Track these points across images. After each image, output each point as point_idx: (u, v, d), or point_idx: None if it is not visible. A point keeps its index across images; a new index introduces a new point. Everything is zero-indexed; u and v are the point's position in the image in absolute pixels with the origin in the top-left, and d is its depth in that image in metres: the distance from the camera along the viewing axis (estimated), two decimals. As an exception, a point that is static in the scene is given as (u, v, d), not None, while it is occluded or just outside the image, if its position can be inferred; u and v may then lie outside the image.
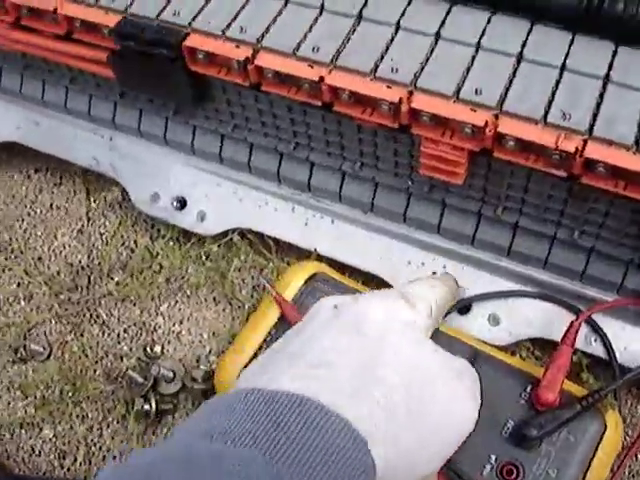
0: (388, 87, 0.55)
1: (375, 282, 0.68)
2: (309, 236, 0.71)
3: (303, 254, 0.71)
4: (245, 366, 0.60)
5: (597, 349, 0.61)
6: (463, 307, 0.65)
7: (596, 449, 0.55)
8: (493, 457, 0.55)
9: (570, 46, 0.55)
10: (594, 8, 0.54)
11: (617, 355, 0.60)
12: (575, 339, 0.59)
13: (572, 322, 0.59)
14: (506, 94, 0.53)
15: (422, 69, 0.56)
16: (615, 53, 0.54)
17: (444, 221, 0.65)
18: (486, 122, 0.52)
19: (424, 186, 0.64)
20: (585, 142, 0.51)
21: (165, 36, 0.61)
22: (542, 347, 0.66)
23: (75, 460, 0.69)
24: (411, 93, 0.55)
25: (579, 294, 0.63)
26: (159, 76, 0.65)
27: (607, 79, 0.53)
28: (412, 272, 0.67)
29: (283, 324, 0.62)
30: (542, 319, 0.62)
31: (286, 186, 0.72)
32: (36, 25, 0.69)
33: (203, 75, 0.63)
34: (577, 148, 0.51)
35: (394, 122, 0.56)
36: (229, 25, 0.61)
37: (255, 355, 0.62)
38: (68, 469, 0.69)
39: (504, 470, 0.54)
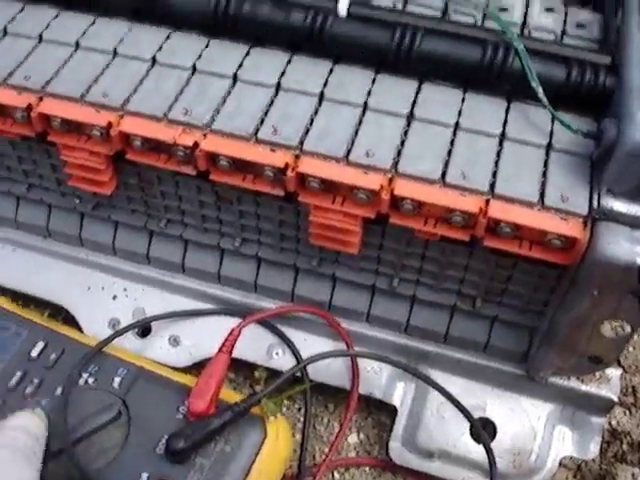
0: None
1: (63, 312, 0.71)
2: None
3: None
4: None
5: (279, 362, 0.66)
6: (143, 330, 0.67)
7: (255, 458, 0.56)
8: (145, 475, 0.55)
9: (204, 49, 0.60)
10: (223, 12, 0.59)
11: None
12: (232, 346, 0.60)
13: (232, 329, 0.61)
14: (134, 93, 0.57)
15: (56, 74, 0.58)
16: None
17: (117, 241, 0.69)
18: (110, 122, 0.55)
19: (88, 204, 0.68)
20: (205, 136, 0.55)
21: None
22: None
23: None
24: (41, 99, 0.56)
25: (256, 308, 0.67)
26: None
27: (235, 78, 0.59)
28: (92, 298, 0.70)
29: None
30: (222, 337, 0.62)
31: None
32: None
33: None
34: (196, 142, 0.54)
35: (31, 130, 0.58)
36: None
37: None
38: None
39: None
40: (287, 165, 0.53)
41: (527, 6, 0.63)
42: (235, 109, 0.56)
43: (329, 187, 0.54)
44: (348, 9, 0.58)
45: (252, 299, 0.67)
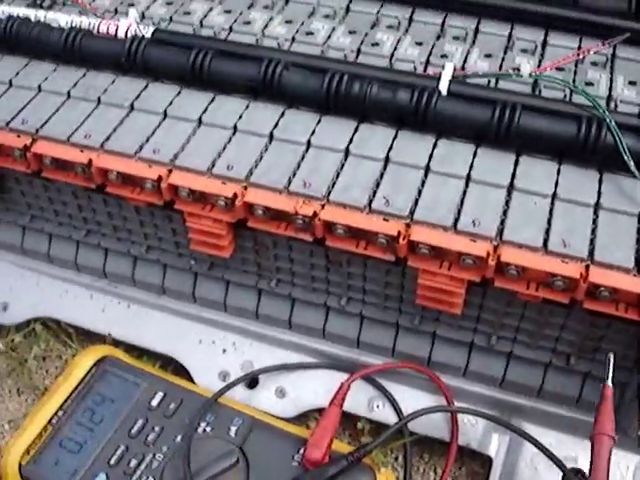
0: (149, 166, 0.64)
1: (173, 363, 0.76)
2: (105, 322, 0.79)
3: (103, 340, 0.78)
4: (28, 450, 0.66)
5: (380, 414, 0.70)
6: (251, 381, 0.73)
7: None
8: None
9: (317, 125, 0.66)
10: (334, 92, 0.65)
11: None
12: (343, 399, 0.66)
13: (342, 383, 0.67)
14: (256, 167, 0.63)
15: (182, 149, 0.65)
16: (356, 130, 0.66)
17: (228, 298, 0.75)
18: (235, 193, 0.62)
19: (204, 264, 0.74)
20: (323, 206, 0.60)
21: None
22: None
23: None
24: (170, 171, 0.64)
25: (358, 361, 0.72)
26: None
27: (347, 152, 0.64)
28: (203, 351, 0.75)
29: (70, 407, 0.69)
30: (326, 389, 0.69)
31: (85, 274, 0.81)
32: None
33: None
34: (315, 212, 0.60)
35: (160, 199, 0.65)
36: (13, 118, 0.70)
37: (40, 436, 0.67)
38: None
39: None
40: (399, 233, 0.59)
41: (611, 80, 0.68)
42: (348, 181, 0.62)
43: (438, 253, 0.59)
44: (448, 87, 0.64)
45: (354, 354, 0.72)
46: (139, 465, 0.65)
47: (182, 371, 0.75)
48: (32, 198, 0.77)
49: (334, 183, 0.62)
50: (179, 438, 0.66)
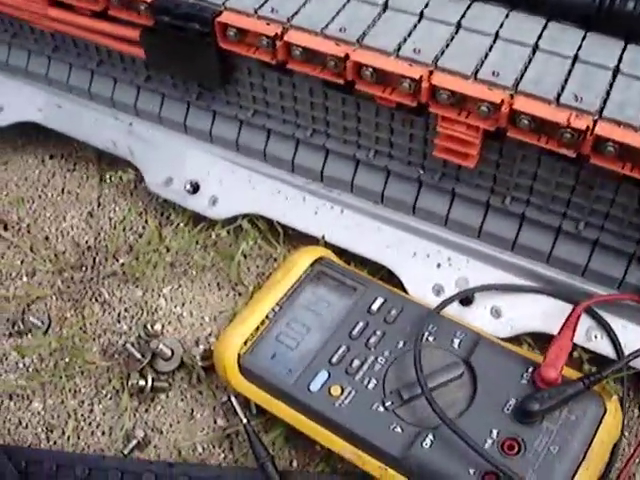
0: (410, 65, 0.63)
1: (381, 272, 0.75)
2: (317, 225, 0.79)
3: (310, 243, 0.78)
4: (245, 341, 0.67)
5: (597, 345, 0.69)
6: (465, 298, 0.71)
7: (596, 431, 0.60)
8: (495, 431, 0.60)
9: (583, 40, 0.64)
10: (606, 8, 0.63)
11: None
12: (577, 323, 0.65)
13: (574, 307, 0.66)
14: (522, 77, 0.61)
15: (442, 52, 0.64)
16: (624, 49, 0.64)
17: (452, 212, 0.74)
18: (502, 100, 0.60)
19: (435, 174, 0.73)
20: (595, 122, 0.58)
21: (199, 11, 0.70)
22: (543, 345, 0.68)
23: (63, 433, 0.71)
24: (431, 72, 0.63)
25: (580, 290, 0.70)
26: (189, 55, 0.73)
27: (617, 70, 0.62)
28: (417, 263, 0.74)
29: (286, 303, 0.70)
30: (543, 314, 0.68)
31: (299, 175, 0.80)
32: (73, 1, 0.76)
33: (231, 55, 0.73)
34: (588, 127, 0.58)
35: (413, 100, 0.64)
36: (261, 5, 0.70)
37: (257, 329, 0.68)
38: (55, 442, 0.70)
39: (505, 444, 0.59)
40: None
41: None
42: (624, 100, 0.60)
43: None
44: None
45: (577, 282, 0.70)
46: (361, 366, 0.65)
47: (390, 281, 0.74)
48: (260, 92, 0.77)
49: (605, 100, 0.60)
50: (401, 344, 0.66)
